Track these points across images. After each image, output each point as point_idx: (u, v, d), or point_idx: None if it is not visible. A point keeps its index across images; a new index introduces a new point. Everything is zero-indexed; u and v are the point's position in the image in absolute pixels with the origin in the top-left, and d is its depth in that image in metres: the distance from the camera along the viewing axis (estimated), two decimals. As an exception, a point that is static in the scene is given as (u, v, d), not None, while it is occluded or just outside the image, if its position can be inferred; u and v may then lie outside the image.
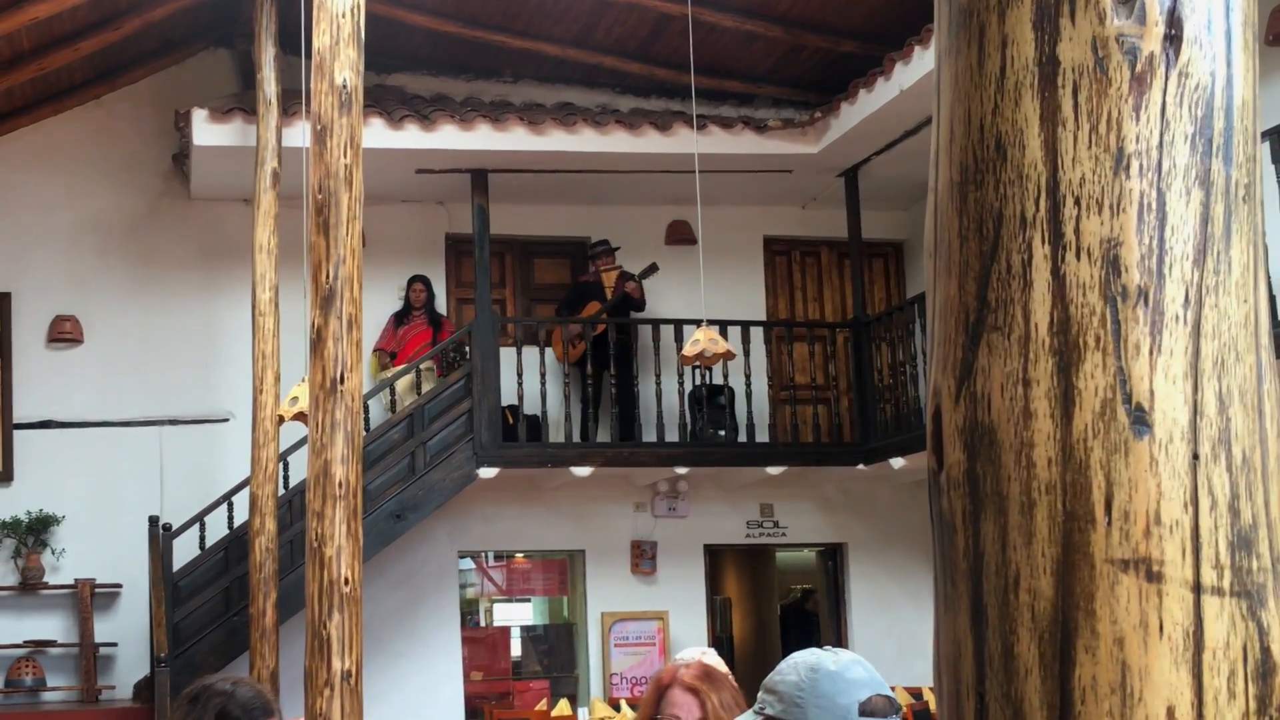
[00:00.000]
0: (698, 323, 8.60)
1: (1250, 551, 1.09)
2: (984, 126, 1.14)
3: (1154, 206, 1.08)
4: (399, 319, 10.32)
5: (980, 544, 1.14)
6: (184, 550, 9.34)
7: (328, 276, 5.67)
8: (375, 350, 10.20)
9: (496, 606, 11.40)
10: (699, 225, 9.23)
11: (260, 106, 8.95)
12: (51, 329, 10.20)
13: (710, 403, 10.09)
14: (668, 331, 9.89)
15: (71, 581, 9.87)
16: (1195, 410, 1.08)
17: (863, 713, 1.91)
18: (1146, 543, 1.07)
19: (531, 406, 9.99)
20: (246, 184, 9.05)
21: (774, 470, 10.03)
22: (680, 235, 10.75)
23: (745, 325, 9.94)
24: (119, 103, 10.45)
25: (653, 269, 10.04)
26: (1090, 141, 1.09)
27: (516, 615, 11.54)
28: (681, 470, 10.05)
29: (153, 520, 9.43)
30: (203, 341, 10.29)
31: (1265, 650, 1.08)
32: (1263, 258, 1.15)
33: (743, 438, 10.10)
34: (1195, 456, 1.08)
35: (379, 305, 10.08)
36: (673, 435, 10.07)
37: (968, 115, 1.15)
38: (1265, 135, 6.27)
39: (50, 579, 9.91)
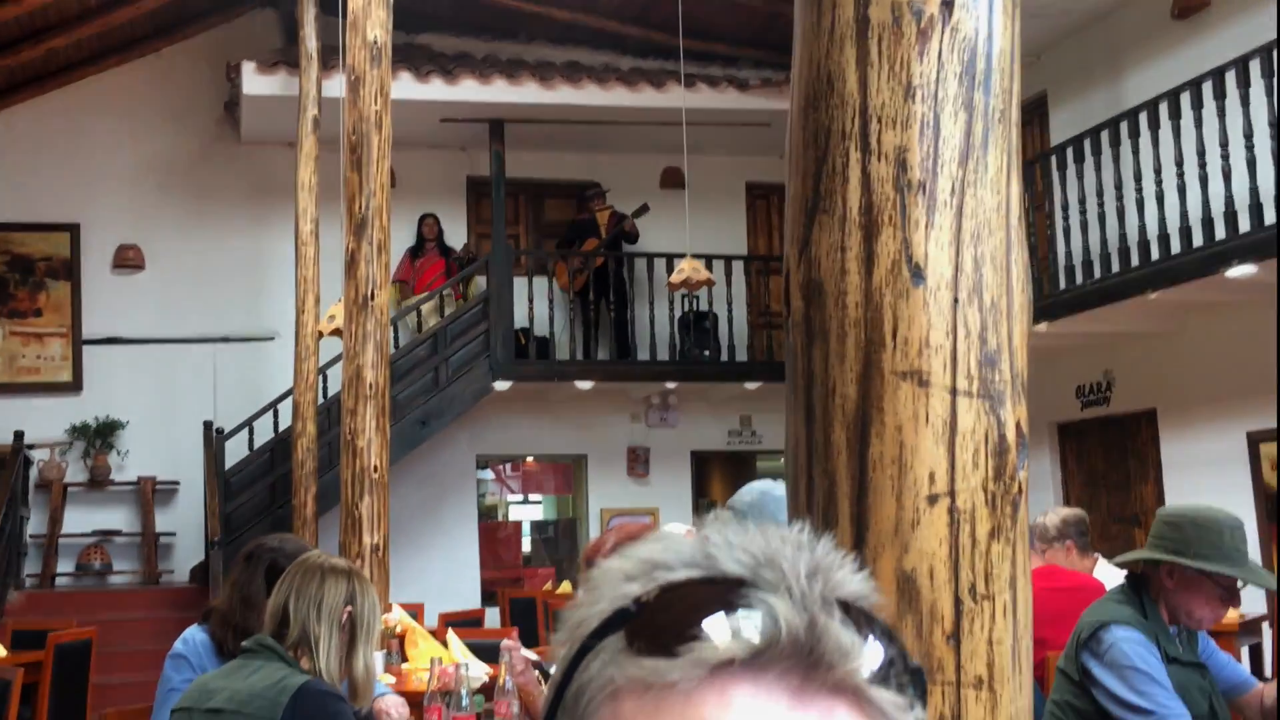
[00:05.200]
0: (684, 256, 8.87)
1: (994, 368, 1.39)
2: (819, 66, 1.43)
3: (931, 124, 1.37)
4: (414, 253, 10.47)
5: (811, 365, 1.44)
6: (234, 452, 9.51)
7: (360, 207, 5.93)
8: (394, 281, 10.42)
9: (510, 504, 11.73)
10: (687, 171, 9.45)
11: (302, 60, 9.10)
12: (116, 256, 10.34)
13: (697, 326, 10.27)
14: (660, 264, 10.11)
15: (135, 479, 10.05)
16: (956, 268, 1.37)
17: None
18: (919, 360, 1.36)
19: (541, 329, 10.20)
20: (290, 129, 9.18)
21: (751, 385, 10.22)
22: (672, 180, 10.95)
23: (728, 259, 10.17)
24: (176, 55, 10.55)
25: (645, 209, 10.24)
26: (889, 77, 1.38)
27: (527, 512, 11.87)
28: (671, 385, 10.25)
29: (207, 424, 9.64)
30: (251, 269, 10.45)
31: (1001, 436, 1.38)
32: (1015, 163, 1.44)
33: (725, 357, 10.29)
34: (955, 300, 1.37)
35: (409, 238, 10.36)
36: (664, 354, 10.36)
37: (810, 57, 1.44)
38: (1256, 52, 6.39)
39: (116, 476, 10.07)
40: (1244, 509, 7.04)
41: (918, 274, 1.37)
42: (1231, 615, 5.58)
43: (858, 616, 0.54)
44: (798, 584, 0.53)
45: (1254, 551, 6.62)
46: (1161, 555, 2.73)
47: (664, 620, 0.53)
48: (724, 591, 0.53)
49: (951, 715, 1.34)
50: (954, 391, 1.36)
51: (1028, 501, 1.42)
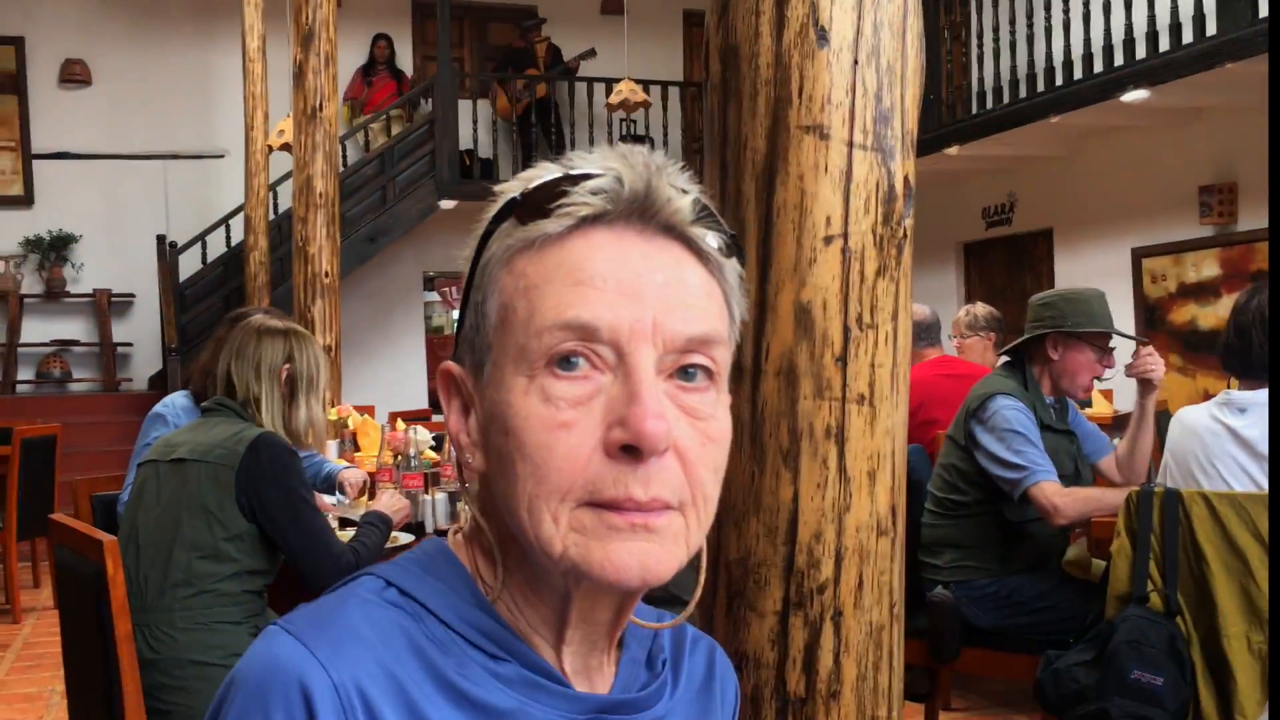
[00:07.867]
0: (622, 79, 8.76)
1: (888, 125, 1.47)
2: None
3: (840, -104, 1.42)
4: (365, 72, 10.30)
5: (726, 123, 1.52)
6: (188, 266, 9.45)
7: (307, 19, 5.79)
8: (346, 100, 10.19)
9: (455, 317, 11.77)
10: (627, -3, 9.24)
11: None
12: (63, 71, 9.99)
13: (633, 150, 10.30)
14: (599, 89, 9.99)
15: (90, 291, 9.90)
16: (858, 32, 1.44)
17: None
18: (822, 115, 1.45)
19: (484, 151, 10.14)
20: (233, -57, 8.88)
21: (683, 207, 10.36)
22: (612, 7, 10.72)
23: (664, 85, 10.07)
24: None
25: (591, 53, 10.06)
26: None
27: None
28: (608, 206, 10.33)
29: (160, 238, 9.50)
30: (199, 85, 10.16)
31: (891, 186, 1.48)
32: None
33: (658, 180, 10.36)
34: (855, 62, 1.45)
35: (355, 60, 10.09)
36: (601, 177, 10.35)
37: None
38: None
39: (72, 289, 9.92)
40: (1125, 317, 7.34)
41: (823, 36, 1.43)
42: (1106, 409, 5.90)
43: (681, 182, 0.70)
44: (639, 163, 0.68)
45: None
46: (1044, 330, 2.91)
47: (542, 197, 0.68)
48: (585, 177, 0.68)
49: (837, 426, 1.48)
50: (851, 145, 1.45)
51: (912, 245, 1.53)
